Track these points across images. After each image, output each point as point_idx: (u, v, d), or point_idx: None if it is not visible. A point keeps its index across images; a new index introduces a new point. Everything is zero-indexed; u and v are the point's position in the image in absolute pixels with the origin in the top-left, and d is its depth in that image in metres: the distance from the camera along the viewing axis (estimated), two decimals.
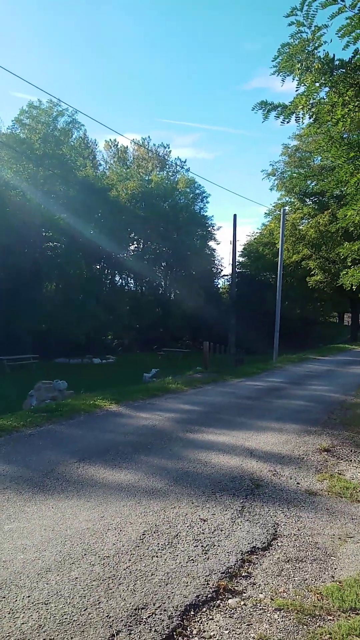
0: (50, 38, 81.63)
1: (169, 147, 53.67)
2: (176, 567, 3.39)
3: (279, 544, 3.87)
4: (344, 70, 6.96)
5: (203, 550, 3.66)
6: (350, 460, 6.48)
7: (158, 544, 3.74)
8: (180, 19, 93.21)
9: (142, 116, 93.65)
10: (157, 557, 3.54)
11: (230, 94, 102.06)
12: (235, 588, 3.19)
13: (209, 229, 47.62)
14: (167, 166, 51.35)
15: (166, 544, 3.75)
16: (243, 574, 3.38)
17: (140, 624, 2.74)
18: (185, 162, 53.60)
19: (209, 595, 3.08)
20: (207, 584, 3.20)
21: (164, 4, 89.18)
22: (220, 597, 3.08)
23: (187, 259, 42.60)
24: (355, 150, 8.09)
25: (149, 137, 53.00)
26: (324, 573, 3.46)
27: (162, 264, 44.28)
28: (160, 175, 46.94)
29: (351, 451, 6.92)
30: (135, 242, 42.60)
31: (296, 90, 7.15)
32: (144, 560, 3.48)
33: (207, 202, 54.47)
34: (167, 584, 3.16)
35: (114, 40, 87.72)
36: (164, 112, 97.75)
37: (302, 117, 7.54)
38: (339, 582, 3.30)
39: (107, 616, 2.79)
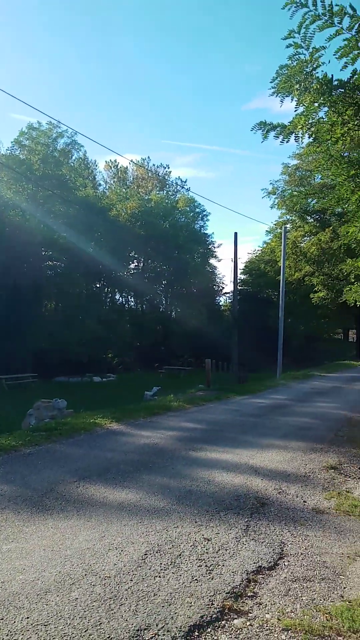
0: (50, 59, 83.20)
1: (168, 167, 54.30)
2: (179, 587, 3.28)
3: (285, 564, 3.75)
4: (342, 90, 7.02)
5: (207, 570, 3.55)
6: (358, 478, 6.34)
7: (161, 563, 3.63)
8: (181, 40, 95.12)
9: (143, 137, 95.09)
10: (159, 577, 3.42)
11: (230, 114, 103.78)
12: (241, 608, 3.07)
13: (210, 246, 47.94)
14: (167, 186, 51.90)
15: (169, 563, 3.63)
16: (249, 594, 3.26)
17: None
18: (185, 181, 54.27)
19: (214, 615, 2.96)
20: (212, 604, 3.08)
21: (163, 26, 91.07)
22: (226, 617, 2.96)
23: (188, 277, 42.75)
24: (355, 168, 8.11)
25: (148, 157, 53.54)
26: (333, 592, 3.33)
27: (163, 282, 44.44)
28: (160, 194, 47.40)
29: (359, 468, 6.79)
30: (135, 261, 42.85)
31: (295, 111, 7.20)
32: (146, 580, 3.36)
33: (208, 220, 55.01)
34: (170, 604, 3.05)
35: (114, 62, 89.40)
36: (165, 132, 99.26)
37: (302, 137, 7.58)
38: (349, 602, 3.18)
39: (108, 637, 2.68)
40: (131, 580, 3.36)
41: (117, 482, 5.67)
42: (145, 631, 2.75)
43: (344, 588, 3.41)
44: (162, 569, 3.53)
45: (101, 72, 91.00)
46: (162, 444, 7.87)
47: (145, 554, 3.77)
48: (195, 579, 3.40)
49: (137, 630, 2.76)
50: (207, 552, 3.85)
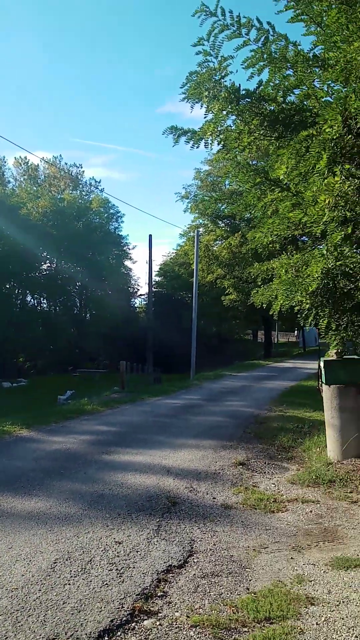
0: None
1: (81, 167, 52.97)
2: (89, 593, 3.26)
3: (195, 560, 3.85)
4: (249, 100, 7.27)
5: (118, 574, 3.56)
6: (264, 473, 6.64)
7: (70, 571, 3.58)
8: (94, 38, 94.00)
9: (54, 134, 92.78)
10: (69, 584, 3.38)
11: (144, 117, 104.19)
12: (151, 609, 3.12)
13: (124, 248, 47.78)
14: (81, 186, 50.86)
15: (79, 570, 3.60)
16: (159, 594, 3.31)
17: None
18: (100, 182, 53.28)
19: (124, 618, 2.98)
20: (122, 607, 3.10)
21: (77, 24, 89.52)
22: (136, 619, 2.99)
23: (103, 279, 42.31)
24: (261, 176, 8.43)
25: (60, 155, 52.28)
26: (239, 585, 3.47)
27: (77, 283, 43.56)
28: (73, 194, 46.42)
29: (265, 463, 7.10)
30: (48, 261, 41.58)
31: (204, 117, 7.35)
32: (55, 589, 3.31)
33: (122, 221, 54.90)
34: (79, 611, 3.03)
35: (22, 56, 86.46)
36: (77, 131, 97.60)
37: (211, 143, 7.74)
38: (254, 594, 3.33)
39: None
40: (40, 590, 3.29)
41: (26, 491, 5.51)
42: None
43: (250, 580, 3.56)
44: (72, 576, 3.50)
45: (8, 69, 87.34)
46: (74, 449, 7.74)
47: (55, 563, 3.71)
48: (106, 584, 3.40)
49: None
50: (118, 556, 3.86)
